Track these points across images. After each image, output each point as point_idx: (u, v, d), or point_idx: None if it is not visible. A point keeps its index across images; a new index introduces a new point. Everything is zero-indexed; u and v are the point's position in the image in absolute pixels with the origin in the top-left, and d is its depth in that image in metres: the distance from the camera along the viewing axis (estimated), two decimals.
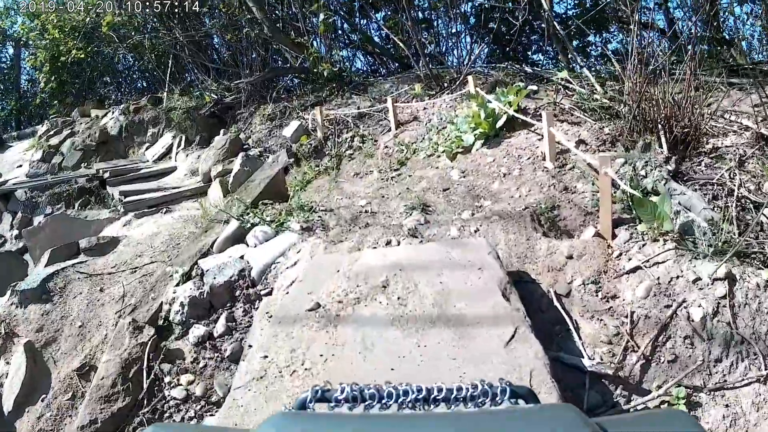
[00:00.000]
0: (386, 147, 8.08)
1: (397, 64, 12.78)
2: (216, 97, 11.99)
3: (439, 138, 7.35)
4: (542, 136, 6.04)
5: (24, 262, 8.13)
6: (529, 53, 14.21)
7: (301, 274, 4.02)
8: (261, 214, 5.97)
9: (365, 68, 14.01)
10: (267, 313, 4.21)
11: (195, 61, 13.11)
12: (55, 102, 17.73)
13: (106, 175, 11.51)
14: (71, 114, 15.81)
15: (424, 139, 7.71)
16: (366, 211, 5.98)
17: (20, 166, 14.48)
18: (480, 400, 1.07)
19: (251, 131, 10.69)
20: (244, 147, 10.01)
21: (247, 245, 5.56)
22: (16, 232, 11.04)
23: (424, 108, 8.52)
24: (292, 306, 3.74)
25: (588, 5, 12.51)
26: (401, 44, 10.53)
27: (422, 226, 5.10)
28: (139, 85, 16.94)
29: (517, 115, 6.44)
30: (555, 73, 8.45)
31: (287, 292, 4.31)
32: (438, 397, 1.08)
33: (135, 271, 6.83)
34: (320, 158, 8.77)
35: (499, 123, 6.65)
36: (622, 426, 1.02)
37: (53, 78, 16.71)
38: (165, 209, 9.18)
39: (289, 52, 11.89)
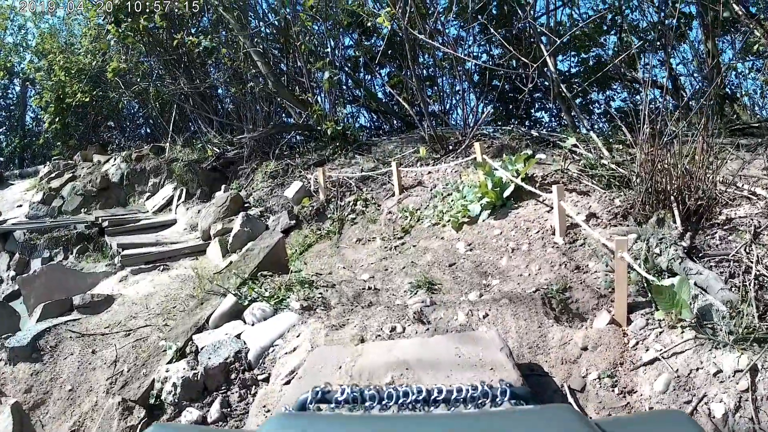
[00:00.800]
0: (390, 212, 7.84)
1: (400, 122, 12.64)
2: (218, 150, 11.82)
3: (444, 206, 7.10)
4: (551, 207, 5.81)
5: (15, 313, 7.83)
6: (533, 110, 14.11)
7: (301, 370, 3.72)
8: (260, 287, 5.69)
9: (369, 125, 13.89)
10: (264, 406, 3.90)
11: (199, 113, 12.98)
12: (59, 143, 17.58)
13: (105, 223, 11.28)
14: (74, 157, 15.66)
15: (428, 206, 7.47)
16: (369, 288, 5.71)
17: (20, 205, 14.43)
18: (480, 401, 1.05)
19: (252, 188, 10.46)
20: (245, 205, 9.78)
21: (245, 322, 5.27)
22: (12, 273, 10.82)
23: (429, 173, 8.29)
24: None
25: (591, 63, 12.43)
26: (405, 104, 10.37)
27: (428, 308, 4.81)
28: (142, 131, 16.79)
29: (525, 186, 6.21)
30: (563, 138, 8.28)
31: (287, 382, 4.01)
32: (438, 398, 1.07)
33: (129, 334, 6.54)
34: (322, 221, 8.52)
35: (507, 193, 6.42)
36: (621, 426, 1.00)
37: (57, 119, 16.62)
38: (162, 267, 8.90)
39: (293, 108, 11.75)
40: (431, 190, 7.82)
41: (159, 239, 10.42)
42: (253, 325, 5.13)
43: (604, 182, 6.57)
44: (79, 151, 15.60)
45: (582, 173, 7.04)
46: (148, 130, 16.88)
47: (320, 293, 5.50)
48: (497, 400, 1.08)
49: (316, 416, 1.02)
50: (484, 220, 6.39)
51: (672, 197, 5.65)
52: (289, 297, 5.31)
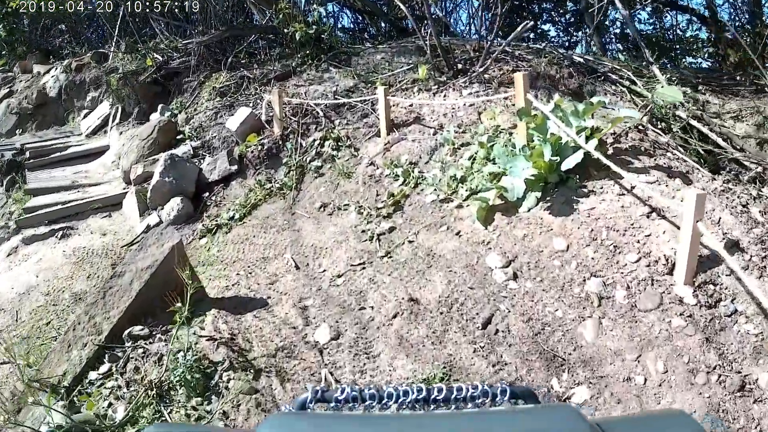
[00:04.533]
0: (372, 164, 4.73)
1: (390, 27, 9.18)
2: (161, 59, 8.43)
3: (457, 167, 4.03)
4: (649, 206, 2.78)
5: None
6: (539, 23, 10.63)
7: None
8: (105, 383, 2.63)
9: (353, 26, 10.31)
10: None
11: (151, 11, 9.37)
12: (4, 52, 13.96)
13: (27, 154, 8.32)
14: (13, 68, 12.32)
15: (431, 161, 4.39)
16: (328, 363, 2.66)
17: None
18: (480, 401, 0.96)
19: (194, 110, 7.22)
20: (178, 138, 6.59)
21: None
22: None
23: (430, 105, 5.08)
24: None
25: None
26: (398, 1, 6.97)
27: None
28: (91, 35, 13.08)
29: (602, 158, 3.09)
30: (635, 69, 5.14)
31: None
32: (438, 398, 0.97)
33: None
34: (275, 168, 5.40)
35: (569, 164, 3.35)
36: (622, 426, 0.90)
37: (1, 26, 12.99)
38: (64, 230, 5.87)
39: (256, 5, 8.32)
40: (435, 134, 4.66)
41: (77, 179, 7.34)
42: None
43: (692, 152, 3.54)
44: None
45: (660, 135, 3.96)
46: (100, 33, 13.20)
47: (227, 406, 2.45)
48: (497, 399, 0.94)
49: (315, 415, 0.92)
50: (531, 210, 3.39)
51: None
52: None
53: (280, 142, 5.51)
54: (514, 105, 4.22)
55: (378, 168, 4.65)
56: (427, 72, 5.49)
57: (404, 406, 0.99)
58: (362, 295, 3.23)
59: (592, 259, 2.86)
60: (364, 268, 3.49)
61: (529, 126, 3.59)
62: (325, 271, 3.74)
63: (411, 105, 5.18)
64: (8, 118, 10.67)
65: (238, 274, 4.18)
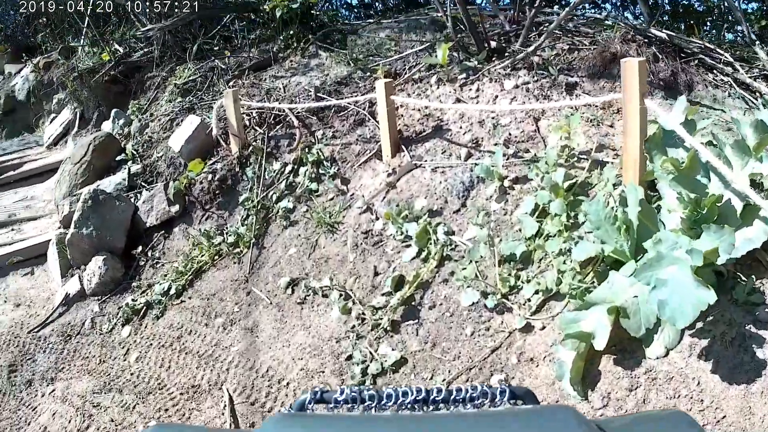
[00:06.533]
0: (368, 209, 2.83)
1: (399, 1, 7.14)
2: (121, 51, 6.59)
3: (513, 234, 2.05)
4: None
5: None
6: None
7: None
8: None
9: (356, 3, 8.12)
10: None
11: None
12: None
13: None
14: None
15: (465, 209, 2.48)
16: None
17: None
18: (479, 401, 0.87)
19: (150, 116, 5.36)
20: (118, 159, 4.72)
21: None
22: None
23: (458, 113, 3.11)
24: None
25: None
26: None
27: None
28: (69, 26, 11.13)
29: None
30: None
31: None
32: (437, 399, 0.90)
33: None
34: (229, 208, 3.52)
35: (740, 249, 1.37)
36: (621, 426, 0.84)
37: None
38: None
39: None
40: (468, 157, 2.70)
41: (15, 211, 5.63)
42: None
43: None
44: None
45: None
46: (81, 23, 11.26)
47: None
48: (496, 400, 0.86)
49: (315, 416, 0.88)
50: (669, 353, 1.38)
51: None
52: None
53: (238, 168, 3.60)
54: (591, 108, 2.27)
55: (378, 219, 2.73)
56: (446, 56, 3.49)
57: (403, 407, 0.91)
58: None
59: None
60: None
61: (664, 168, 1.64)
62: None
63: (427, 107, 3.22)
64: None
65: (147, 421, 2.35)
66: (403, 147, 3.06)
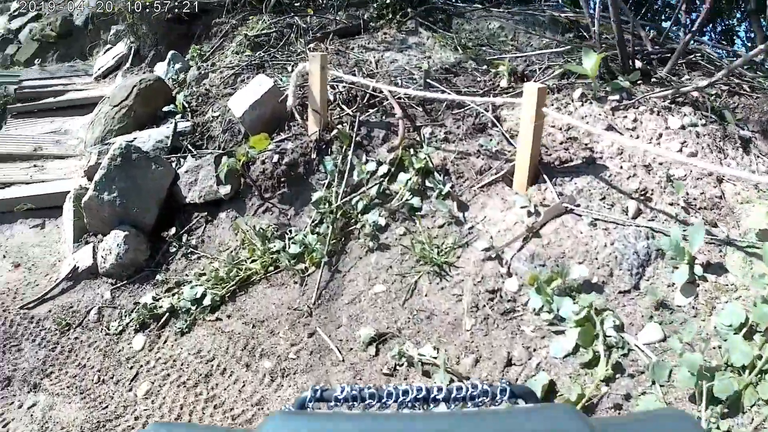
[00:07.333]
0: (496, 256, 1.94)
1: None
2: None
3: (701, 342, 1.23)
4: None
5: None
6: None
7: None
8: None
9: None
10: None
11: None
12: None
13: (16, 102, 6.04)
14: None
15: (639, 291, 1.56)
16: None
17: None
18: (480, 400, 0.87)
19: (211, 66, 4.57)
20: (166, 108, 3.94)
21: None
22: None
23: (615, 146, 2.23)
24: None
25: None
26: None
27: None
28: None
29: None
30: None
31: None
32: (438, 397, 0.88)
33: None
34: (297, 203, 2.68)
35: None
36: (621, 426, 0.80)
37: None
38: None
39: None
40: (637, 214, 1.88)
41: (43, 144, 4.94)
42: None
43: None
44: None
45: None
46: None
47: None
48: (497, 398, 0.86)
49: (315, 415, 0.81)
50: None
51: None
52: None
53: (314, 155, 2.78)
54: None
55: (511, 275, 1.89)
56: (596, 70, 2.58)
57: (404, 406, 0.89)
58: None
59: None
60: None
61: None
62: None
63: (571, 127, 2.35)
64: (29, 45, 8.55)
65: None
66: (545, 176, 2.21)
